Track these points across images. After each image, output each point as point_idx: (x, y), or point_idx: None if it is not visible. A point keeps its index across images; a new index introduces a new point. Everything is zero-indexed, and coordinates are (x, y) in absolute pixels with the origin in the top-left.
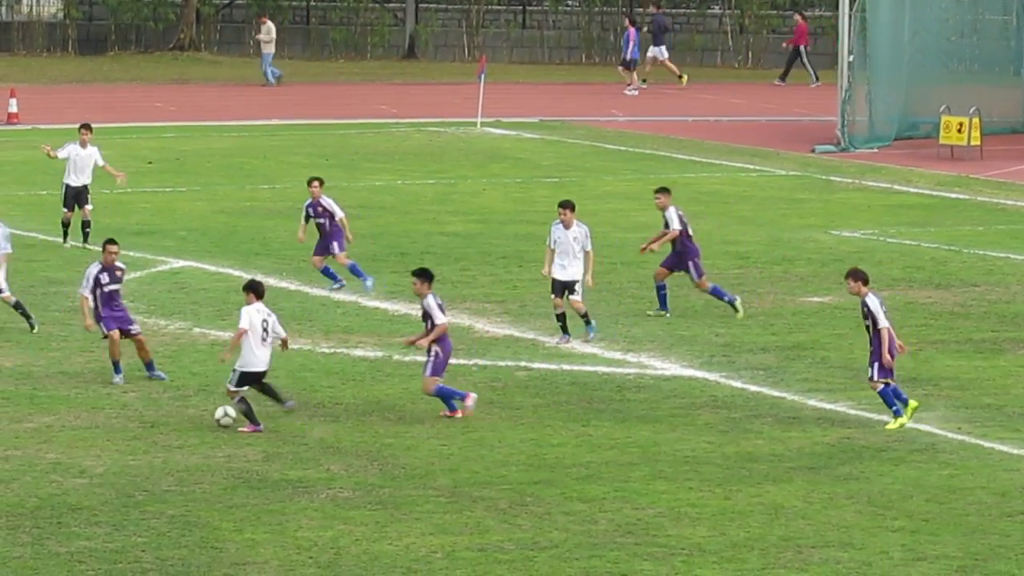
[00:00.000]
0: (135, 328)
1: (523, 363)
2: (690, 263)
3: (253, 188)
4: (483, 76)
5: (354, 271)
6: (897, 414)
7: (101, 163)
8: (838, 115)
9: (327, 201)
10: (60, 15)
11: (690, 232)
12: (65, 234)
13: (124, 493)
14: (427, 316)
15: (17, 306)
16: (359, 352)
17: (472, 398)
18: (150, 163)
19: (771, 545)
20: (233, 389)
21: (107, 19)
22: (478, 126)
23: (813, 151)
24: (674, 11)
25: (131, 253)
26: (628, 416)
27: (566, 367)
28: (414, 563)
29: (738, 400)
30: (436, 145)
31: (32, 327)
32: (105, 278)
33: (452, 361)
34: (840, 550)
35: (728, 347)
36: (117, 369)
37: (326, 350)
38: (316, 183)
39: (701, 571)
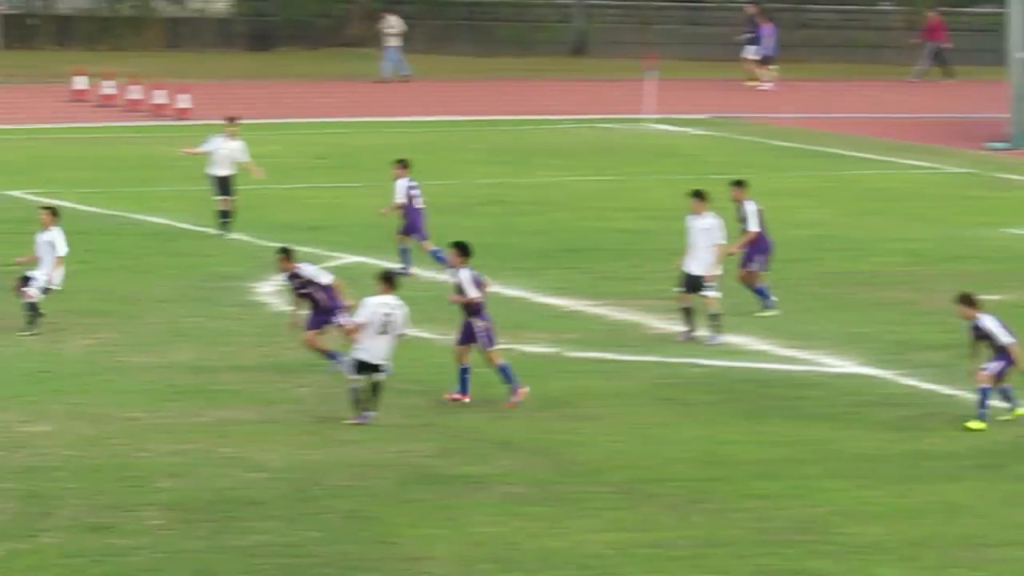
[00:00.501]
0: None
1: (695, 360)
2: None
3: (422, 184)
4: (652, 72)
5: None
6: (982, 417)
7: (244, 159)
8: (1009, 111)
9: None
10: (230, 11)
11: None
12: (223, 222)
13: (299, 488)
14: (459, 289)
15: (32, 308)
16: (531, 348)
17: (524, 392)
18: (322, 159)
19: (948, 543)
20: (349, 376)
21: (276, 15)
22: (647, 122)
23: (984, 148)
24: (843, 7)
25: (304, 248)
26: (802, 413)
27: (739, 364)
28: (588, 559)
29: (912, 398)
30: (606, 141)
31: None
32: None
33: (623, 357)
34: (1018, 549)
35: (902, 344)
36: (333, 356)
37: (499, 346)
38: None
39: (878, 569)
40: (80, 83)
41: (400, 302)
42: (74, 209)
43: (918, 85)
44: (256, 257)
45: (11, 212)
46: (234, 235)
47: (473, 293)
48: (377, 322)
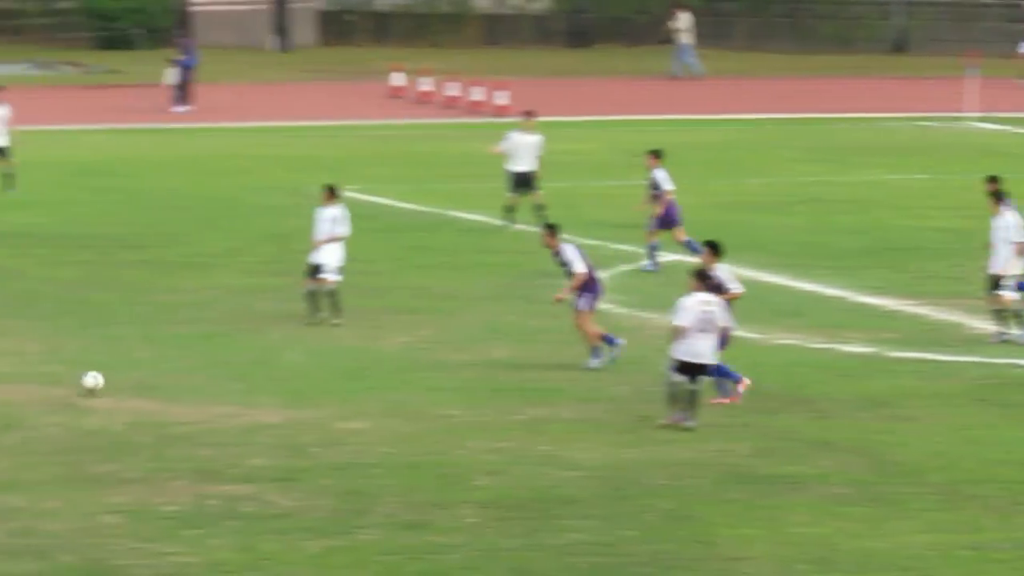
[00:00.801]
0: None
1: (1018, 361)
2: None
3: (741, 182)
4: (974, 70)
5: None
6: None
7: (539, 153)
8: None
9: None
10: (548, 8)
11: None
12: (511, 218)
13: (615, 486)
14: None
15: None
16: (850, 348)
17: (745, 384)
18: (637, 156)
19: None
20: (671, 374)
21: (595, 12)
22: (968, 121)
23: None
24: None
25: (620, 246)
26: None
27: None
28: (908, 561)
29: None
30: (926, 139)
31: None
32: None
33: (943, 357)
34: None
35: None
36: (611, 341)
37: (817, 345)
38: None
39: None
40: (397, 80)
41: (716, 298)
42: (391, 206)
43: None
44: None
45: None
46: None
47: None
48: (697, 321)
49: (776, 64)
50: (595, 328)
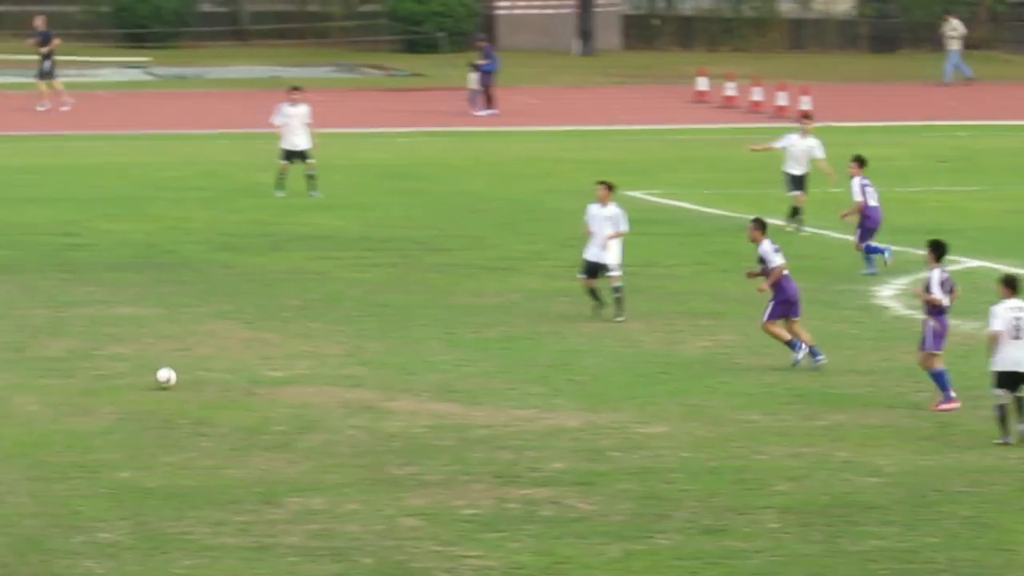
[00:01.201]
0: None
1: None
2: None
3: None
4: None
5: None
6: None
7: (820, 156)
8: None
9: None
10: (852, 12)
11: None
12: (797, 218)
13: (916, 492)
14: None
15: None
16: None
17: (953, 406)
18: (943, 162)
19: None
20: (994, 392)
21: (899, 17)
22: None
23: None
24: None
25: (922, 252)
26: None
27: None
28: None
29: None
30: None
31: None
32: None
33: None
34: None
35: None
36: (794, 345)
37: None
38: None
39: None
40: (702, 84)
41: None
42: (694, 210)
43: None
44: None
45: (633, 213)
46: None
47: (939, 296)
48: (1010, 327)
49: None
50: (782, 331)
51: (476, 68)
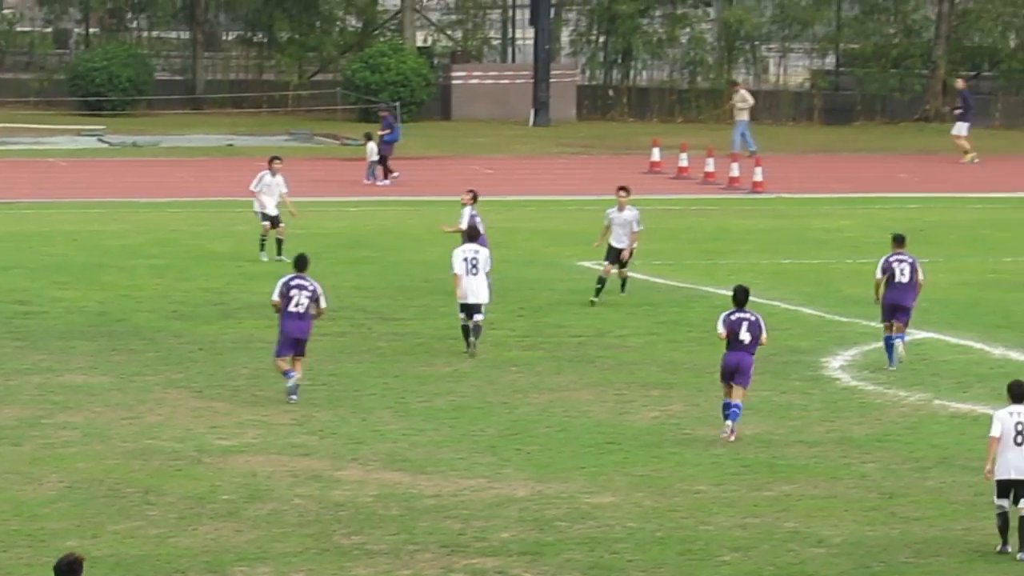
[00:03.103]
0: None
1: None
2: None
3: (997, 260)
4: None
5: None
6: None
7: (636, 229)
8: None
9: None
10: (807, 85)
11: None
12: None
13: (862, 564)
14: None
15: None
16: None
17: None
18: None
19: None
20: (995, 502)
21: (853, 89)
22: None
23: None
24: None
25: (872, 323)
26: None
27: None
28: None
29: None
30: None
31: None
32: None
33: None
34: None
35: None
36: None
37: None
38: None
39: None
40: (656, 155)
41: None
42: (646, 281)
43: None
44: (826, 331)
45: (583, 282)
46: (806, 309)
47: None
48: (1011, 432)
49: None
50: None
51: (379, 137)
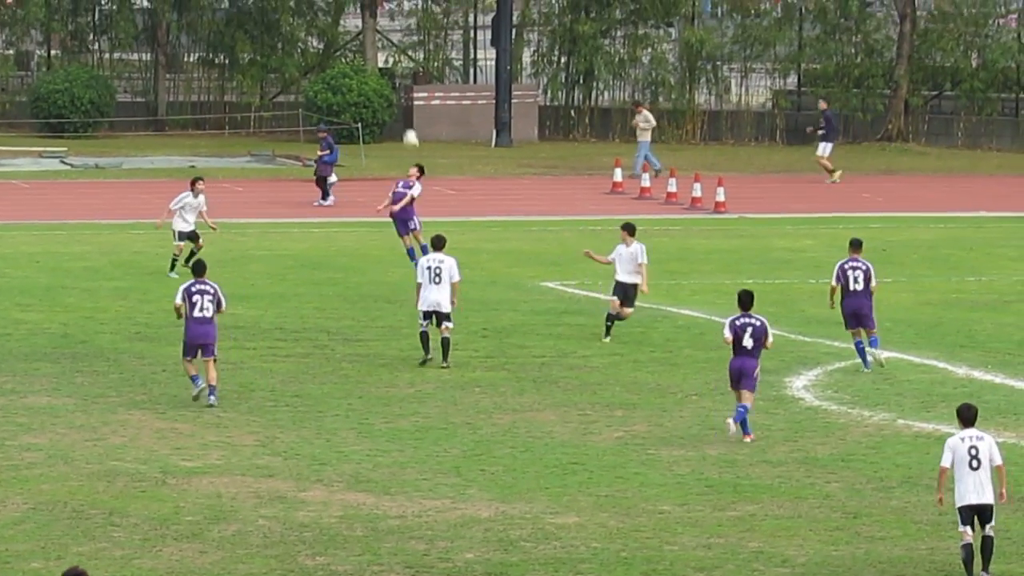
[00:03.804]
0: None
1: None
2: None
3: (959, 280)
4: None
5: None
6: None
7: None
8: None
9: None
10: (768, 105)
11: None
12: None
13: None
14: None
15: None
16: None
17: None
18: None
19: None
20: (960, 530)
21: (815, 109)
22: None
23: None
24: None
25: (835, 343)
26: None
27: None
28: None
29: None
30: None
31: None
32: None
33: None
34: None
35: None
36: None
37: None
38: None
39: None
40: (618, 175)
41: (983, 433)
42: (608, 301)
43: None
44: (789, 351)
45: (546, 303)
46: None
47: None
48: (965, 456)
49: (996, 162)
50: None
51: (318, 158)
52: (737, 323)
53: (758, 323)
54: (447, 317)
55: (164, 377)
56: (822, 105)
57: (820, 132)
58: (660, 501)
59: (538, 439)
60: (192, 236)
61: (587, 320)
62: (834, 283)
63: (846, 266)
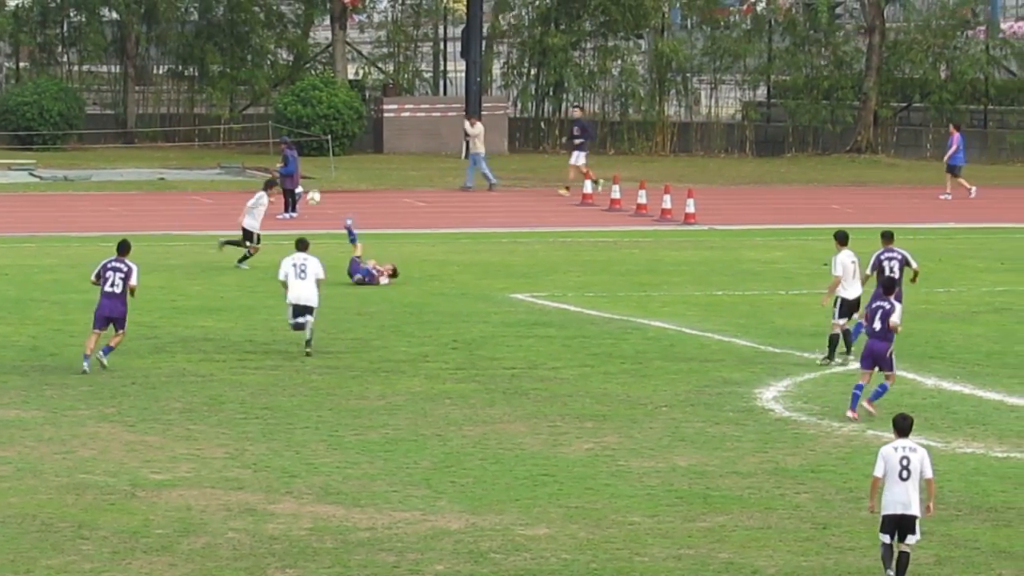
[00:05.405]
0: None
1: None
2: None
3: (928, 291)
4: None
5: None
6: None
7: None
8: None
9: None
10: (738, 116)
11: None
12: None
13: None
14: None
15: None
16: None
17: None
18: (825, 264)
19: None
20: (880, 535)
21: (784, 121)
22: None
23: None
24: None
25: (805, 354)
26: None
27: None
28: None
29: None
30: None
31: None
32: None
33: None
34: None
35: None
36: None
37: (999, 454)
38: None
39: None
40: (588, 187)
41: (917, 444)
42: (579, 313)
43: None
44: (759, 363)
45: (516, 315)
46: (740, 341)
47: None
48: (894, 469)
49: (965, 174)
50: None
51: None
52: (872, 305)
53: (888, 306)
54: (311, 311)
55: (134, 390)
56: (576, 113)
57: (576, 141)
58: (630, 512)
59: (508, 451)
60: (248, 236)
61: (557, 332)
62: (868, 272)
63: (882, 256)
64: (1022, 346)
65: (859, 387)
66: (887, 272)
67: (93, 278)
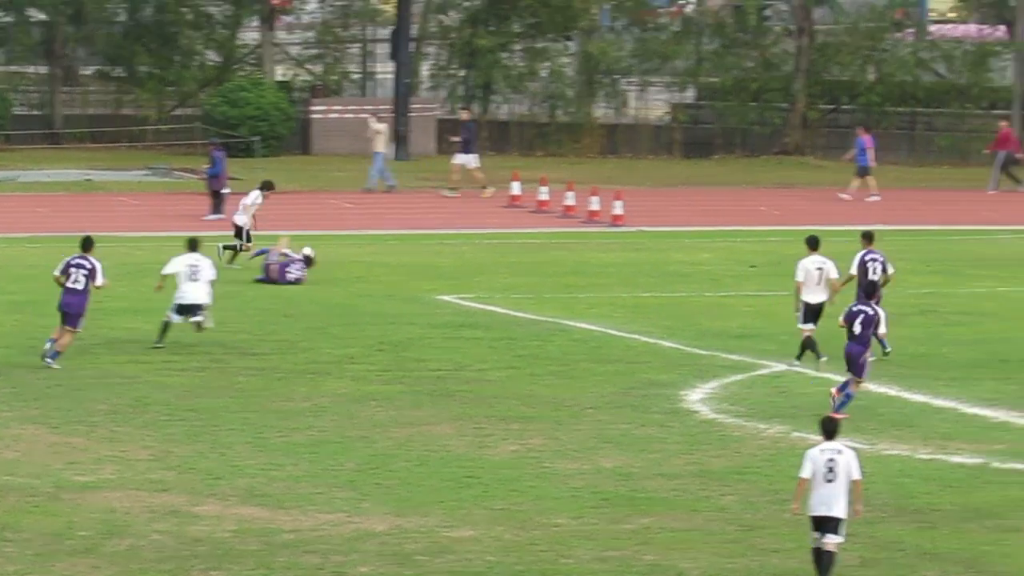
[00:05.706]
0: None
1: None
2: None
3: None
4: None
5: None
6: None
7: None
8: None
9: None
10: (667, 118)
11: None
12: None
13: None
14: None
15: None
16: (957, 459)
17: None
18: (752, 267)
19: None
20: (810, 534)
21: (713, 123)
22: None
23: None
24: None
25: (731, 356)
26: None
27: None
28: None
29: None
30: None
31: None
32: None
33: None
34: None
35: None
36: None
37: (924, 456)
38: None
39: None
40: (516, 189)
41: (843, 446)
42: (505, 315)
43: None
44: (685, 364)
45: (443, 317)
46: (666, 343)
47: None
48: (820, 471)
49: (893, 176)
50: None
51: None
52: (853, 310)
53: (871, 312)
54: (200, 310)
55: (58, 391)
56: (464, 116)
57: (455, 140)
58: (555, 514)
59: (434, 452)
60: (239, 232)
61: (484, 334)
62: (852, 271)
63: (866, 257)
64: (948, 348)
65: (848, 395)
66: (870, 275)
67: (57, 274)
